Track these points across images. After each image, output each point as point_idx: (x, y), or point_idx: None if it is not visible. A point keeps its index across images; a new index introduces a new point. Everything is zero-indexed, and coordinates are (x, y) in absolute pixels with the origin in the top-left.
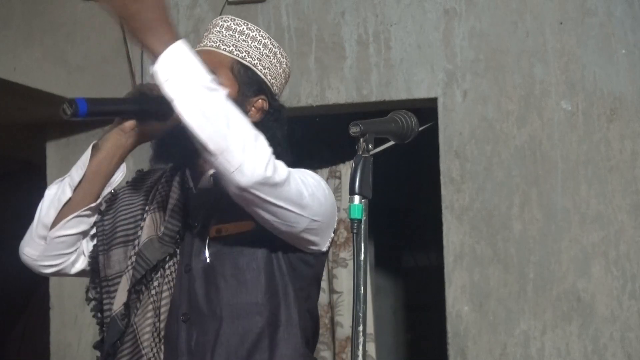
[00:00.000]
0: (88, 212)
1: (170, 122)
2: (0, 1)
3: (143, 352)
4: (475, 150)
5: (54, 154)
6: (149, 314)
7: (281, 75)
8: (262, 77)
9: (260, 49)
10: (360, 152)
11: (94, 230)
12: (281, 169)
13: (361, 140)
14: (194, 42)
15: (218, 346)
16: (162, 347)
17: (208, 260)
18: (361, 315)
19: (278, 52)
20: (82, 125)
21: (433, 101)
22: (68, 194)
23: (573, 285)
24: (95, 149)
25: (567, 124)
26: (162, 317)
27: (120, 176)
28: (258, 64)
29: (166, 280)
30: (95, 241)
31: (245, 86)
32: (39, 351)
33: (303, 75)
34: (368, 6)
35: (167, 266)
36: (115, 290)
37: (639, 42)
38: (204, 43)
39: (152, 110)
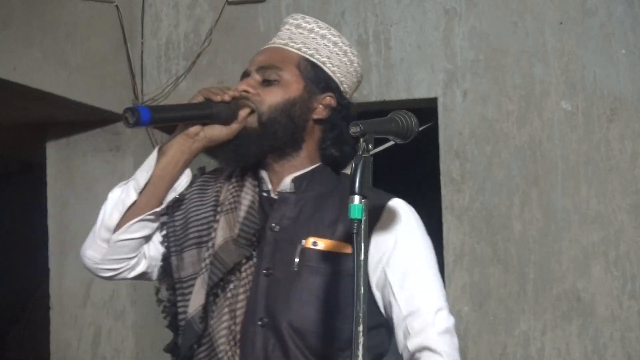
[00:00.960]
0: (152, 217)
1: (235, 125)
2: (0, 1)
3: (219, 355)
4: (475, 150)
5: (54, 154)
6: (225, 317)
7: (352, 74)
8: (331, 74)
9: (329, 47)
10: (360, 152)
11: (164, 232)
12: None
13: (361, 140)
14: (194, 41)
15: (295, 353)
16: (238, 351)
17: (296, 268)
18: (361, 315)
19: (349, 51)
20: (82, 125)
21: (433, 101)
22: (133, 197)
23: (573, 285)
24: (160, 152)
25: (567, 124)
26: (237, 321)
27: (185, 181)
28: (327, 62)
29: (242, 283)
30: (164, 243)
31: (312, 83)
32: (39, 351)
33: None
34: (368, 6)
35: (243, 269)
36: (190, 293)
37: (639, 42)
38: (273, 41)
39: (217, 114)
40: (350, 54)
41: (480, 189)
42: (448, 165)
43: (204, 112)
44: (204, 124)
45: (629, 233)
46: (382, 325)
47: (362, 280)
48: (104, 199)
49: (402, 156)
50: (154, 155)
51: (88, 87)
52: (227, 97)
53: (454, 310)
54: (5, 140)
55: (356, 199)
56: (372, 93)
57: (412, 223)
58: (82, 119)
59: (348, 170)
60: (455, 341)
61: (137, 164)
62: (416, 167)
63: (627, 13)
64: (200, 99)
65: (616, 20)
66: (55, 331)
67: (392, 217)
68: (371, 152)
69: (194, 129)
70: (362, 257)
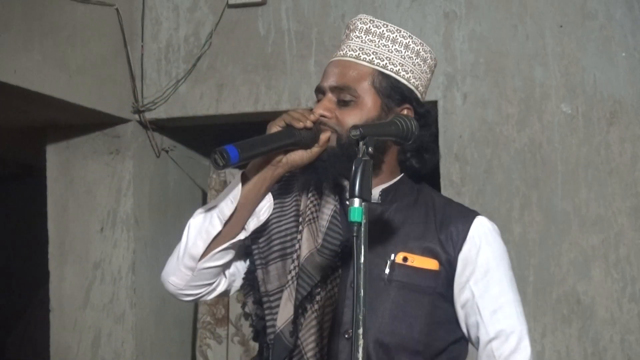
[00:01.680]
0: (234, 244)
1: (316, 149)
2: (0, 4)
3: None
4: (475, 153)
5: (54, 156)
6: (313, 330)
7: (426, 73)
8: (406, 82)
9: (402, 52)
10: (360, 155)
11: (246, 249)
12: None
13: (361, 143)
14: (194, 44)
15: None
16: None
17: (385, 282)
18: (361, 317)
19: (421, 50)
20: (82, 128)
21: (433, 104)
22: (218, 227)
23: (573, 288)
24: (243, 179)
25: (567, 127)
26: (325, 334)
27: (267, 206)
28: (400, 70)
29: (328, 295)
30: (247, 259)
31: (388, 98)
32: (39, 353)
33: (303, 78)
34: (368, 9)
35: (329, 280)
36: (277, 306)
37: (638, 45)
38: (344, 51)
39: (299, 140)
40: (422, 53)
41: (480, 191)
42: (448, 168)
43: (289, 141)
44: (285, 151)
45: (629, 236)
46: (462, 339)
47: (362, 283)
48: (103, 202)
49: None
50: (238, 184)
51: (88, 90)
52: (309, 124)
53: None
54: (5, 143)
55: (356, 202)
56: None
57: (501, 248)
58: (82, 122)
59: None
60: None
61: (137, 167)
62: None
63: (627, 16)
64: (282, 124)
65: (616, 24)
66: (55, 334)
67: (482, 237)
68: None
69: (277, 158)
70: (362, 259)
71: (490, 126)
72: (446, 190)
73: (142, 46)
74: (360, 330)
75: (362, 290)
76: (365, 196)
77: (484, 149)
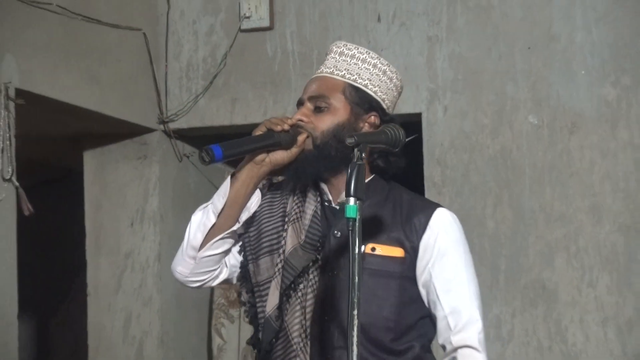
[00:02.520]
0: (230, 234)
1: (295, 149)
2: (43, 29)
3: (293, 347)
4: (454, 159)
5: (91, 161)
6: (297, 314)
7: (392, 90)
8: (373, 95)
9: (370, 70)
10: (355, 160)
11: (241, 243)
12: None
13: (356, 149)
14: (211, 63)
15: (356, 345)
16: (309, 342)
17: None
18: (355, 300)
19: (387, 70)
20: (114, 137)
21: (418, 116)
22: (212, 219)
23: (539, 276)
24: (233, 179)
25: (534, 135)
26: (307, 317)
27: (256, 201)
28: (369, 84)
29: (310, 283)
30: (242, 253)
31: (357, 106)
32: (78, 332)
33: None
34: (362, 33)
35: (310, 271)
36: (267, 294)
37: (596, 64)
38: (321, 70)
39: (279, 142)
40: (389, 72)
41: (459, 192)
42: (431, 172)
43: (268, 142)
44: (268, 151)
45: (587, 230)
46: (428, 316)
47: (356, 270)
48: (132, 201)
49: None
50: (227, 181)
51: (119, 103)
52: (286, 127)
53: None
54: (47, 150)
55: (351, 200)
56: None
57: (458, 235)
58: (114, 131)
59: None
60: (485, 340)
61: (162, 170)
62: (403, 173)
63: (586, 39)
64: (263, 129)
65: (576, 46)
66: (92, 316)
67: (440, 225)
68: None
69: (260, 157)
70: (357, 251)
71: (467, 135)
72: (429, 191)
73: (166, 65)
74: (355, 312)
75: (356, 277)
76: (359, 195)
77: (462, 154)
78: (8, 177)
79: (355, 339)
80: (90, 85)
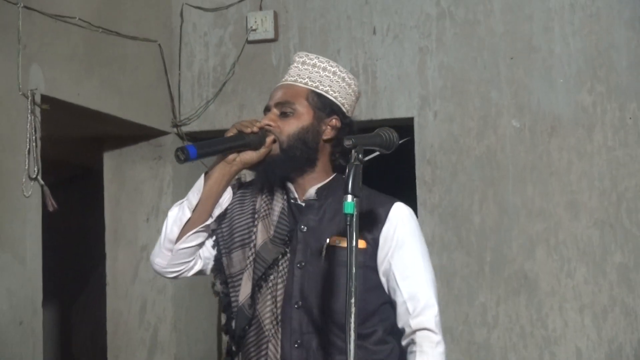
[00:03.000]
0: (204, 228)
1: (263, 149)
2: (67, 41)
3: (265, 333)
4: (443, 159)
5: (110, 161)
6: (268, 303)
7: (350, 95)
8: (333, 100)
9: (330, 77)
10: (353, 160)
11: (214, 238)
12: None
13: (353, 151)
14: (221, 72)
15: (323, 328)
16: (280, 328)
17: (324, 262)
18: (353, 290)
19: (346, 77)
20: (131, 139)
21: (410, 120)
22: (188, 214)
23: (521, 266)
24: (206, 177)
25: (516, 138)
26: (278, 305)
27: (227, 197)
28: (329, 90)
29: (280, 274)
30: (216, 247)
31: (320, 110)
32: (98, 317)
33: None
34: (358, 45)
35: (279, 263)
36: (239, 285)
37: (573, 73)
38: (285, 78)
39: (249, 143)
40: (347, 79)
41: (447, 190)
42: (422, 171)
43: (238, 143)
44: (238, 151)
45: (565, 225)
46: (388, 302)
47: (353, 262)
48: (148, 198)
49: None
50: (201, 179)
51: (136, 108)
52: (255, 129)
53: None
54: (70, 151)
55: (349, 197)
56: (361, 114)
57: (414, 227)
58: (132, 134)
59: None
60: (440, 323)
61: (175, 170)
62: (397, 172)
63: (564, 50)
64: (234, 131)
65: (555, 56)
66: (111, 302)
67: (398, 218)
68: (365, 159)
69: (231, 157)
70: (354, 244)
71: (455, 138)
72: (420, 189)
73: (179, 74)
74: (353, 300)
75: (353, 268)
76: (356, 193)
77: (450, 155)
78: (34, 176)
79: (352, 325)
80: (110, 92)
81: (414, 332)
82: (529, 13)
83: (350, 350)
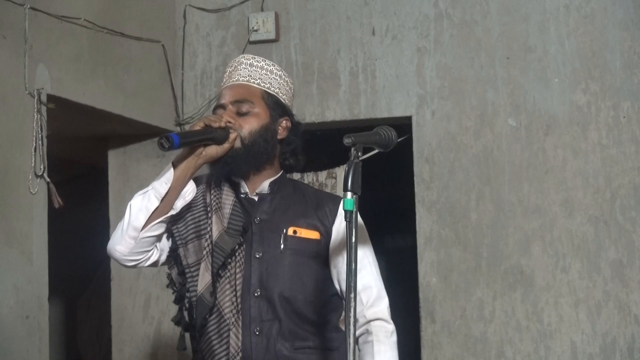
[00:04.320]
0: (167, 219)
1: (226, 145)
2: (73, 42)
3: (226, 322)
4: (441, 157)
5: (115, 159)
6: (227, 292)
7: (289, 92)
8: (283, 101)
9: (277, 79)
10: (352, 158)
11: (168, 231)
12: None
13: (353, 149)
14: (223, 73)
15: (283, 316)
16: (240, 317)
17: (281, 251)
18: (352, 285)
19: (288, 81)
20: (136, 137)
21: (408, 119)
22: (155, 203)
23: (517, 262)
24: (174, 167)
25: (512, 136)
26: (238, 294)
27: (191, 189)
28: (279, 92)
29: (238, 264)
30: (170, 238)
31: (273, 110)
32: (102, 313)
33: (307, 99)
34: (358, 45)
35: (237, 253)
36: (197, 275)
37: (568, 72)
38: (236, 78)
39: (217, 137)
40: (287, 79)
41: (445, 187)
42: (420, 169)
43: (207, 136)
44: (205, 145)
45: (560, 221)
46: (336, 294)
47: (353, 257)
48: None
49: (385, 161)
50: (170, 170)
51: (140, 108)
52: (223, 124)
53: (425, 281)
54: (75, 149)
55: (349, 194)
56: (361, 112)
57: (361, 221)
58: (136, 132)
59: (293, 176)
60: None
61: None
62: (396, 170)
63: (559, 50)
64: (201, 124)
65: (550, 56)
66: (115, 298)
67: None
68: (361, 158)
69: (199, 150)
70: (353, 239)
71: (453, 136)
72: (418, 186)
73: (182, 74)
74: (352, 295)
75: (353, 264)
76: (355, 190)
77: (448, 154)
78: (40, 173)
79: (352, 319)
80: (115, 92)
81: (369, 322)
82: (525, 14)
83: (349, 345)
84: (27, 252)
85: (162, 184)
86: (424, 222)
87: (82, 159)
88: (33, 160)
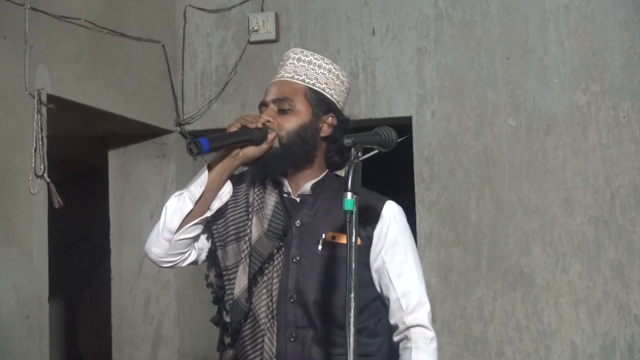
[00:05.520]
0: (203, 221)
1: (264, 145)
2: (73, 42)
3: (261, 327)
4: (441, 157)
5: (115, 159)
6: (264, 297)
7: (344, 92)
8: (329, 97)
9: (325, 74)
10: (352, 159)
11: (208, 232)
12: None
13: (353, 149)
14: (223, 72)
15: (318, 323)
16: (275, 322)
17: (318, 256)
18: (352, 285)
19: (340, 74)
20: (136, 137)
21: (408, 119)
22: (190, 206)
23: (517, 262)
24: (209, 169)
25: (512, 136)
26: (274, 299)
27: (227, 191)
28: (325, 87)
29: (275, 268)
30: (210, 239)
31: (317, 107)
32: (103, 313)
33: None
34: (358, 45)
35: (275, 257)
36: (234, 278)
37: (568, 72)
38: (281, 74)
39: (253, 139)
40: (341, 76)
41: (445, 187)
42: (420, 169)
43: (244, 138)
44: (241, 146)
45: (560, 221)
46: (378, 298)
47: (353, 257)
48: (152, 195)
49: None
50: (205, 173)
51: (141, 108)
52: (260, 125)
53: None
54: (76, 149)
55: (349, 195)
56: (361, 112)
57: (405, 225)
58: (136, 132)
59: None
60: (431, 319)
61: (179, 168)
62: (396, 170)
63: (559, 50)
64: (238, 125)
65: (550, 56)
66: (116, 297)
67: (390, 217)
68: (361, 158)
69: (235, 151)
70: (354, 240)
71: (453, 136)
72: (418, 186)
73: (182, 74)
74: (352, 295)
75: (353, 264)
76: (356, 190)
77: (448, 153)
78: (40, 173)
79: (352, 320)
80: (115, 92)
81: (408, 328)
82: (525, 14)
83: (350, 344)
84: (27, 252)
85: (197, 187)
86: (424, 222)
87: (82, 159)
88: (33, 160)
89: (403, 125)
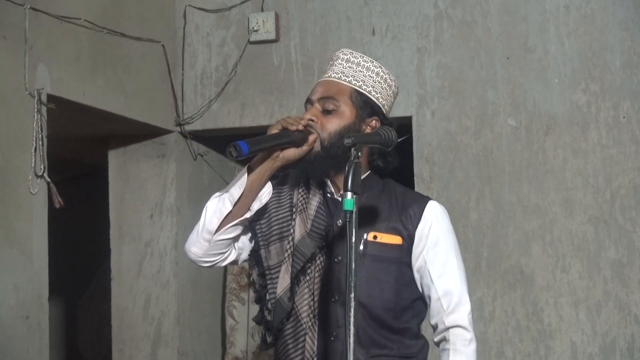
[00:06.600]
0: (242, 221)
1: (305, 147)
2: (73, 42)
3: (303, 326)
4: (441, 157)
5: (115, 159)
6: (306, 296)
7: (390, 96)
8: (375, 100)
9: (373, 77)
10: (352, 158)
11: (253, 230)
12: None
13: (353, 149)
14: (223, 72)
15: (360, 322)
16: (317, 322)
17: (360, 256)
18: (352, 285)
19: (387, 78)
20: (136, 137)
21: (408, 119)
22: (229, 207)
23: (517, 262)
24: (249, 170)
25: (512, 136)
26: (315, 299)
27: (267, 192)
28: (372, 90)
29: (317, 268)
30: (253, 240)
31: (361, 110)
32: (102, 312)
33: None
34: (358, 45)
35: (317, 257)
36: (277, 277)
37: (568, 72)
38: (329, 74)
39: (294, 141)
40: (388, 80)
41: (445, 187)
42: (420, 169)
43: (284, 140)
44: (282, 148)
45: (560, 221)
46: (420, 298)
47: (353, 257)
48: (152, 195)
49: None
50: (245, 175)
51: (140, 108)
52: (300, 127)
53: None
54: (75, 149)
55: (349, 195)
56: None
57: (448, 225)
58: (136, 132)
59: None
60: (472, 320)
61: (178, 167)
62: (395, 170)
63: (559, 50)
64: (279, 127)
65: (550, 56)
66: (115, 297)
67: (433, 216)
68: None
69: (275, 153)
70: (354, 239)
71: (453, 136)
72: (418, 186)
73: (182, 74)
74: (352, 295)
75: (353, 264)
76: (355, 190)
77: (448, 153)
78: (40, 173)
79: (352, 320)
80: (115, 92)
81: (447, 329)
82: (525, 14)
83: (350, 344)
84: (27, 252)
85: (237, 188)
86: None
87: (82, 159)
88: (33, 160)
89: (403, 125)
